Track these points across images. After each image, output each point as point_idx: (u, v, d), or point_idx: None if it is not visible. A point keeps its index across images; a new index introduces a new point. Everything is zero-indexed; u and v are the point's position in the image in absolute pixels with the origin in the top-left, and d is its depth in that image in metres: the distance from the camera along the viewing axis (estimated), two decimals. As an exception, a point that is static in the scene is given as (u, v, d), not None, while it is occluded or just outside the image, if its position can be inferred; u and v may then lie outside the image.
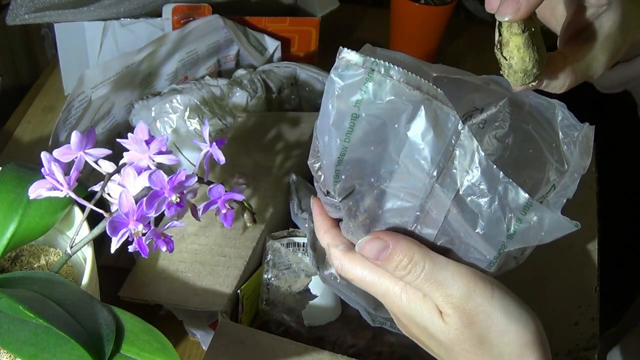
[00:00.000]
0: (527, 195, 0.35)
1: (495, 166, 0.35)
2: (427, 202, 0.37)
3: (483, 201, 0.36)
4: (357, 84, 0.34)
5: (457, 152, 0.36)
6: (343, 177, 0.38)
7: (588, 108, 0.44)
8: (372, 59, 0.34)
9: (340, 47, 0.35)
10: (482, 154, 0.35)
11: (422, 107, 0.35)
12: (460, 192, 0.36)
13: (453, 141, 0.35)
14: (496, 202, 0.35)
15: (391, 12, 0.89)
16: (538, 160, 0.42)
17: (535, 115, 0.43)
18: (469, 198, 0.36)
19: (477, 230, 0.36)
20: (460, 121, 0.35)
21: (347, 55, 0.34)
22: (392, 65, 0.34)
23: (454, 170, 0.36)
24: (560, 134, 0.41)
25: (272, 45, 0.80)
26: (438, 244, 0.39)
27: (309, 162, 0.41)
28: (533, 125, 0.43)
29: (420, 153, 0.35)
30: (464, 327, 0.37)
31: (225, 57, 0.81)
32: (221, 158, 0.45)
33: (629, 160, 1.02)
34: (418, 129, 0.35)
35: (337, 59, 0.35)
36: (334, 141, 0.36)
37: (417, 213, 0.38)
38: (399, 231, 0.39)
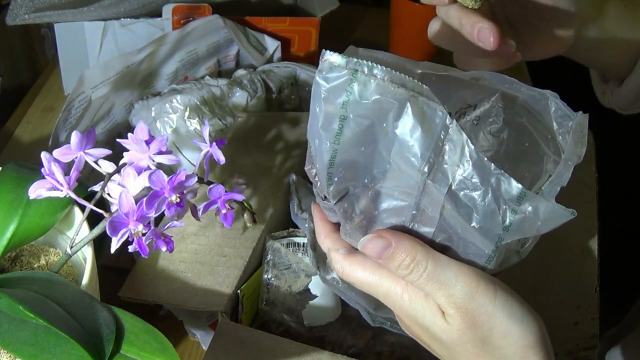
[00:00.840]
0: (520, 186, 0.35)
1: (486, 158, 0.35)
2: (422, 199, 0.37)
3: (476, 194, 0.35)
4: (342, 85, 0.34)
5: (447, 147, 0.35)
6: (336, 179, 0.38)
7: (588, 106, 0.44)
8: (355, 60, 0.34)
9: (323, 50, 0.35)
10: (472, 147, 0.35)
11: (408, 104, 0.35)
12: (453, 187, 0.36)
13: (442, 136, 0.35)
14: (490, 195, 0.35)
15: (391, 12, 0.89)
16: (535, 153, 0.42)
17: (529, 108, 0.42)
18: (462, 192, 0.36)
19: (472, 225, 0.36)
20: (448, 116, 0.35)
21: (330, 57, 0.34)
22: (375, 65, 0.34)
23: (445, 165, 0.36)
24: (554, 124, 0.41)
25: (272, 45, 0.80)
26: (436, 241, 0.39)
27: (305, 169, 0.41)
28: (527, 118, 0.42)
29: (409, 150, 0.35)
30: (466, 327, 0.37)
31: (225, 57, 0.81)
32: (221, 158, 0.45)
33: (629, 159, 1.03)
34: (406, 126, 0.35)
35: (320, 62, 0.35)
36: (324, 144, 0.36)
37: (413, 212, 0.38)
38: (398, 230, 0.39)
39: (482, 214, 0.36)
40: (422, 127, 0.35)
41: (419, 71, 0.41)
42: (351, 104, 0.35)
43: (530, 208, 0.35)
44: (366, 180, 0.38)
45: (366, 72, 0.34)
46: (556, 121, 0.41)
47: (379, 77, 0.34)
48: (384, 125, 0.35)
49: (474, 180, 0.35)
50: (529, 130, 0.42)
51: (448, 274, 0.37)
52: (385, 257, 0.38)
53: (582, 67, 0.60)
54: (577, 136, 0.39)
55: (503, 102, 0.43)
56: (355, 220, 0.40)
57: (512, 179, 0.35)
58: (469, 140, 0.35)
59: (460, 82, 0.43)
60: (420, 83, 0.35)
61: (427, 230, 0.39)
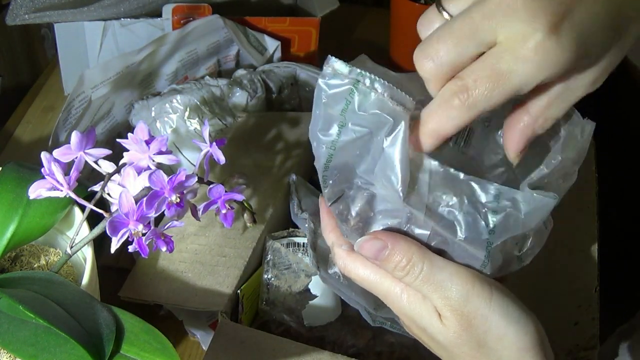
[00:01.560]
0: (493, 185, 0.34)
1: (452, 169, 0.35)
2: (410, 211, 0.37)
3: (454, 207, 0.35)
4: (343, 93, 0.35)
5: (420, 177, 0.36)
6: (330, 182, 0.38)
7: (588, 107, 0.44)
8: (358, 70, 0.34)
9: (329, 56, 0.35)
10: (435, 163, 0.35)
11: (403, 123, 0.34)
12: (430, 206, 0.36)
13: (417, 169, 0.35)
14: (466, 203, 0.35)
15: (391, 12, 0.89)
16: (545, 157, 0.42)
17: None
18: (440, 209, 0.36)
19: (459, 237, 0.36)
20: (430, 161, 0.35)
21: (335, 64, 0.35)
22: (377, 79, 0.34)
23: (420, 190, 0.36)
24: (561, 129, 0.40)
25: (272, 45, 0.80)
26: (432, 244, 0.39)
27: (315, 164, 0.41)
28: None
29: (392, 170, 0.35)
30: (461, 330, 0.37)
31: (225, 57, 0.81)
32: (221, 158, 0.45)
33: (629, 160, 1.02)
34: (394, 145, 0.35)
35: (324, 67, 0.35)
36: (321, 147, 0.37)
37: (408, 214, 0.38)
38: (394, 232, 0.39)
39: (464, 224, 0.35)
40: (401, 164, 0.35)
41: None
42: (350, 112, 0.35)
43: (508, 203, 0.35)
44: (360, 182, 0.38)
45: (367, 84, 0.34)
46: (563, 125, 0.40)
47: (379, 91, 0.34)
48: (378, 138, 0.35)
49: (446, 195, 0.35)
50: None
51: (444, 276, 0.37)
52: (382, 259, 0.38)
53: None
54: (579, 144, 0.38)
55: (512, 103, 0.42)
56: (350, 222, 0.40)
57: (484, 180, 0.35)
58: (430, 159, 0.35)
59: None
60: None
61: (422, 232, 0.39)
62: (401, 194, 0.35)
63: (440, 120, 0.33)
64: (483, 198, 0.35)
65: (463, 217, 0.35)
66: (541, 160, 0.40)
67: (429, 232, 0.38)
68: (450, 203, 0.35)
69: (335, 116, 0.35)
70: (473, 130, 0.43)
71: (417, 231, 0.39)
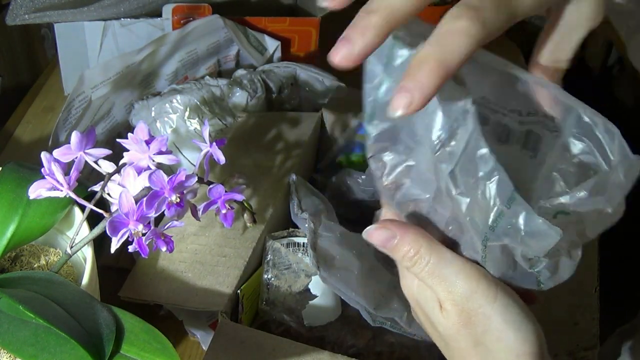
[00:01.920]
0: (512, 186, 0.34)
1: (488, 150, 0.34)
2: (439, 178, 0.37)
3: (473, 183, 0.35)
4: (384, 49, 0.35)
5: (460, 131, 0.35)
6: (373, 135, 0.38)
7: (589, 105, 0.43)
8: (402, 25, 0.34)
9: None
10: (481, 137, 0.34)
11: None
12: (456, 171, 0.35)
13: (459, 119, 0.35)
14: (484, 188, 0.35)
15: (391, 12, 0.89)
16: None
17: (595, 130, 0.39)
18: (463, 178, 0.35)
19: (463, 211, 0.36)
20: (470, 101, 0.34)
21: None
22: (415, 37, 0.34)
23: (454, 148, 0.35)
24: (612, 157, 0.38)
25: (272, 45, 0.80)
26: (449, 229, 0.39)
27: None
28: (594, 142, 0.40)
29: (427, 125, 0.35)
30: (460, 325, 0.37)
31: (225, 57, 0.81)
32: (221, 158, 0.45)
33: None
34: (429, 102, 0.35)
35: None
36: (366, 99, 0.37)
37: (436, 191, 0.38)
38: (419, 206, 0.39)
39: (473, 203, 0.35)
40: (442, 106, 0.35)
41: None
42: (390, 67, 0.35)
43: (516, 213, 0.34)
44: (401, 148, 0.38)
45: (407, 41, 0.34)
46: (614, 157, 0.38)
47: (415, 45, 0.34)
48: None
49: (473, 169, 0.35)
50: (596, 156, 0.40)
51: (450, 270, 0.37)
52: (390, 248, 0.38)
53: (581, 69, 0.59)
54: (617, 182, 0.36)
55: (575, 119, 0.40)
56: (384, 182, 0.40)
57: (507, 178, 0.34)
58: (478, 130, 0.34)
59: (524, 84, 0.40)
60: None
61: (444, 213, 0.38)
62: (437, 148, 0.35)
63: (446, 49, 0.29)
64: (500, 193, 0.34)
65: (475, 198, 0.35)
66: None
67: (448, 215, 0.38)
68: (473, 179, 0.35)
69: (377, 70, 0.36)
70: (541, 137, 0.42)
71: (440, 211, 0.38)
